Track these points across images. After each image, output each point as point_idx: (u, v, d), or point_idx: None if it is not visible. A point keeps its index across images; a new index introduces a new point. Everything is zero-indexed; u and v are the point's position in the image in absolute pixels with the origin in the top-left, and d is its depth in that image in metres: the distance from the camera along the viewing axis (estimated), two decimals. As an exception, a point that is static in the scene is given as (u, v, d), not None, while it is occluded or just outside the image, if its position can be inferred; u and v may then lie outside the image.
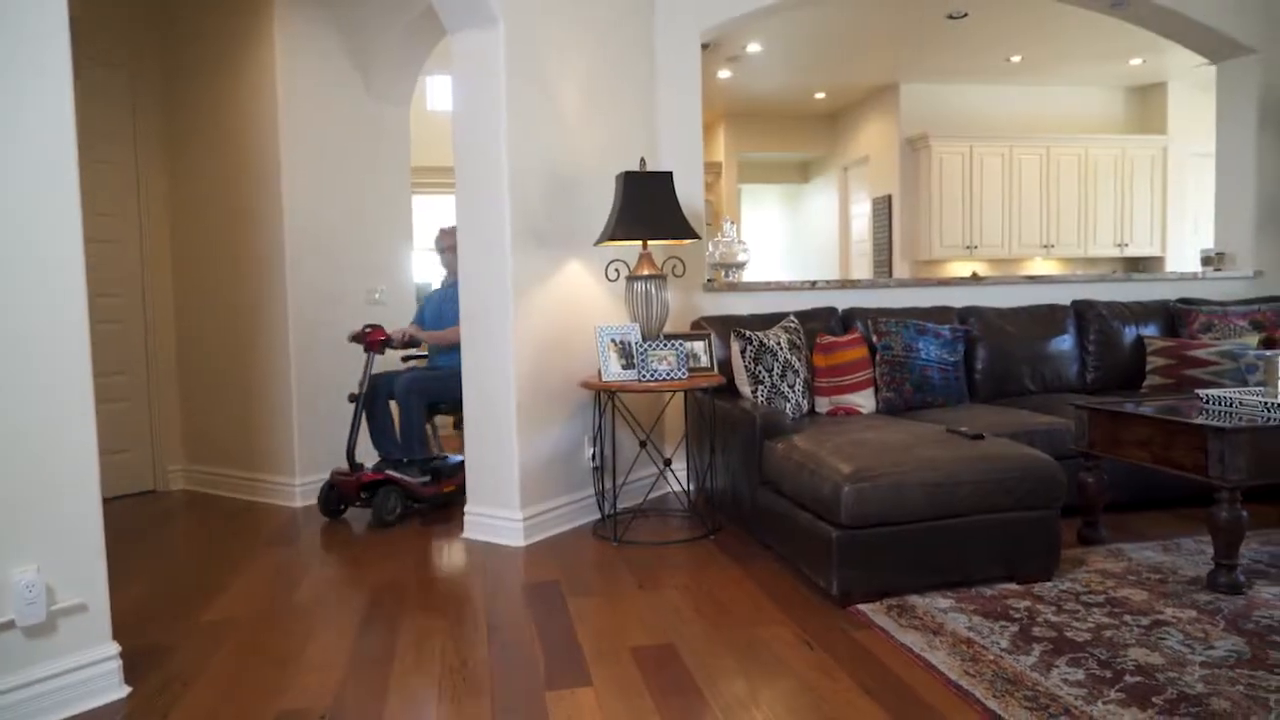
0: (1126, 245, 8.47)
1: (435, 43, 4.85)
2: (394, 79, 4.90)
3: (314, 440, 4.55)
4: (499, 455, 3.71)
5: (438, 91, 7.57)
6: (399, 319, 5.03)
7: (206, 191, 4.74)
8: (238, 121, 4.56)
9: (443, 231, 4.52)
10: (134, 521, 4.25)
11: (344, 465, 4.28)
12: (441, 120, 7.28)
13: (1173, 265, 8.45)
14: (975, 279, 5.07)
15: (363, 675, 2.45)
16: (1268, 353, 3.57)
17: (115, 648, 2.35)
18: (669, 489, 4.51)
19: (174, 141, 4.87)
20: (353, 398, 4.18)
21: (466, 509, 3.84)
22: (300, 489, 4.48)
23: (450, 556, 3.56)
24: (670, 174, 3.78)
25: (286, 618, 2.91)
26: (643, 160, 3.86)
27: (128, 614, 2.95)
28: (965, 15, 6.37)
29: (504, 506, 3.71)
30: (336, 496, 4.19)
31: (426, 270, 7.79)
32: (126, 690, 2.35)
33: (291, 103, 4.43)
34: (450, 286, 4.49)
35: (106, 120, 4.68)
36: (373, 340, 4.20)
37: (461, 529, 3.88)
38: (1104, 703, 2.11)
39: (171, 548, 3.80)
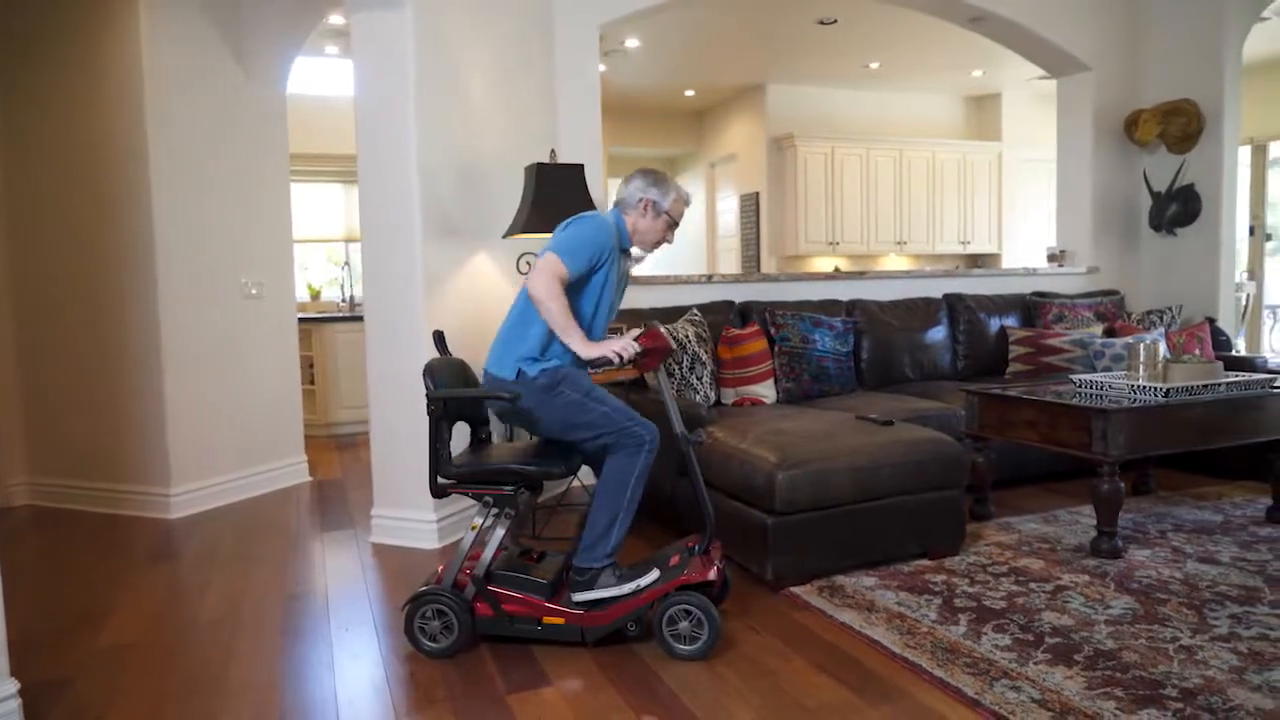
0: (969, 242, 9.16)
1: (316, 23, 4.59)
2: (271, 61, 4.59)
3: (191, 445, 4.21)
4: (411, 455, 3.56)
5: (302, 75, 7.14)
6: (278, 314, 4.74)
7: (58, 175, 4.27)
8: (96, 103, 4.13)
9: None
10: (-21, 543, 3.79)
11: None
12: (303, 104, 6.87)
13: (1008, 261, 9.22)
14: (838, 274, 5.35)
15: (303, 695, 2.30)
16: (1129, 339, 3.99)
17: (14, 685, 2.10)
18: (577, 481, 4.49)
19: (13, 123, 4.34)
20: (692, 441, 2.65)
21: (374, 512, 3.68)
22: (176, 499, 4.13)
23: (363, 563, 3.39)
24: (581, 166, 3.76)
25: (195, 639, 2.68)
26: (553, 152, 3.82)
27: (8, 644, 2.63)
28: (835, 21, 6.68)
29: (416, 508, 3.58)
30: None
31: (307, 260, 7.35)
32: (30, 731, 2.11)
33: (159, 85, 4.05)
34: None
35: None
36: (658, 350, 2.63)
37: (368, 533, 3.71)
38: (1034, 663, 2.30)
39: (37, 569, 3.41)
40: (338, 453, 5.74)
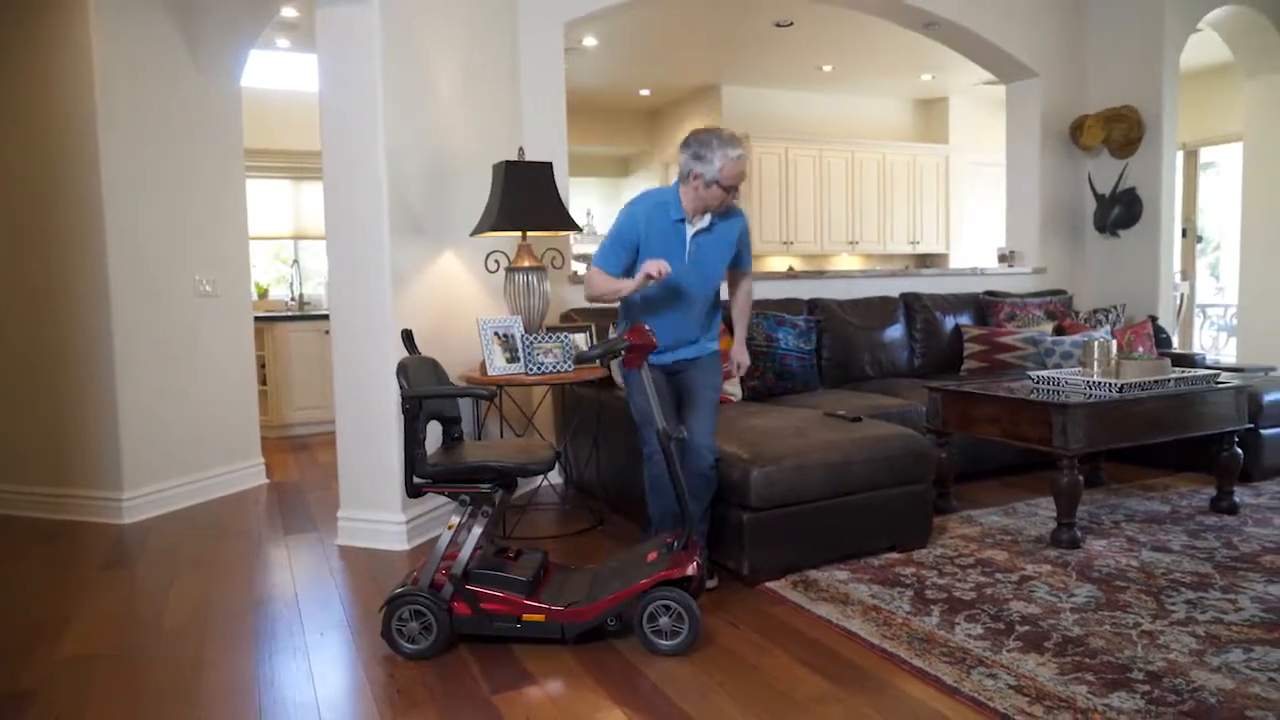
0: (918, 242, 9.36)
1: (272, 15, 4.49)
2: (225, 53, 4.48)
3: (144, 448, 4.08)
4: (379, 456, 3.51)
5: (251, 68, 6.95)
6: (233, 312, 4.62)
7: (2, 170, 4.11)
8: (44, 95, 3.97)
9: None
10: (-82, 552, 3.62)
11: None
12: (251, 98, 6.70)
13: (955, 261, 9.45)
14: (795, 274, 5.43)
15: (282, 701, 2.25)
16: (1079, 337, 4.12)
17: (-22, 698, 2.02)
18: (545, 481, 4.47)
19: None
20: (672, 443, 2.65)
21: (340, 514, 3.61)
22: (128, 504, 4.00)
23: (330, 566, 3.33)
24: (550, 164, 3.75)
25: (162, 646, 2.61)
26: (521, 150, 3.80)
27: (-41, 659, 2.53)
28: (791, 24, 6.76)
29: (384, 509, 3.53)
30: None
31: (254, 258, 7.12)
32: (-5, 746, 2.03)
33: (109, 76, 3.91)
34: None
35: None
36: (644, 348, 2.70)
37: (334, 536, 3.65)
38: (1008, 651, 2.37)
39: (-18, 579, 3.28)
40: (293, 454, 5.63)
